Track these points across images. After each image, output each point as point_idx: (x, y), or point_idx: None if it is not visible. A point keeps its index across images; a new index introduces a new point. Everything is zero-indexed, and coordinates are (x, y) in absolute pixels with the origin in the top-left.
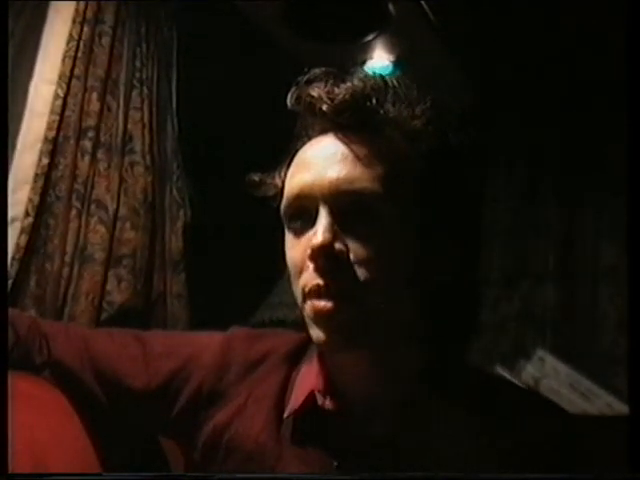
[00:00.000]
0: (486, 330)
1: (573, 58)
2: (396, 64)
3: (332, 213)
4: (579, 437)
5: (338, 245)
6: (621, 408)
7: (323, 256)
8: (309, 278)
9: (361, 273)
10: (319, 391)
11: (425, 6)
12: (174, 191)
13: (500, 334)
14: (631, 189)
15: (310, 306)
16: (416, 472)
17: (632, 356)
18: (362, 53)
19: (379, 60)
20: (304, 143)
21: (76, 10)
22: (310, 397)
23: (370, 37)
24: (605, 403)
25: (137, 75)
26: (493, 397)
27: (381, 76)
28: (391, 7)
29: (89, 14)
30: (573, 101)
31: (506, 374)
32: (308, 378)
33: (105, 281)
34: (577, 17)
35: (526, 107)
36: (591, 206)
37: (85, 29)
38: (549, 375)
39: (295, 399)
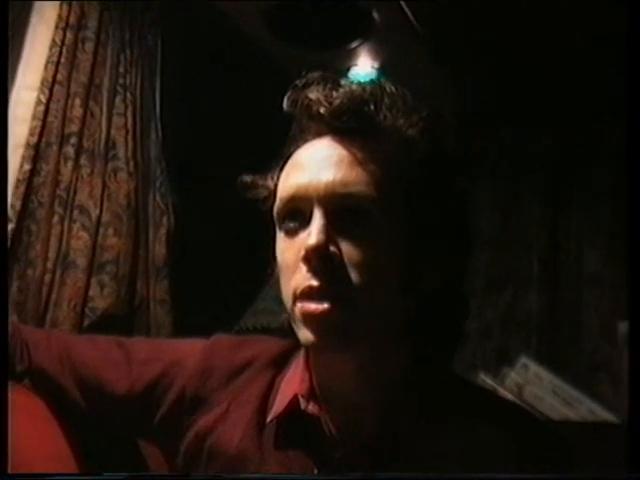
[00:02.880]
0: (470, 336)
1: (559, 62)
2: (380, 71)
3: (326, 215)
4: (561, 445)
5: (332, 247)
6: (603, 414)
7: (317, 257)
8: (302, 279)
9: (354, 275)
10: (302, 395)
11: (409, 13)
12: (157, 197)
13: (484, 341)
14: (631, 194)
15: (300, 308)
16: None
17: (633, 360)
18: (347, 60)
19: (363, 67)
20: (299, 146)
21: (59, 16)
22: (293, 401)
23: (355, 44)
24: (587, 409)
25: (121, 81)
26: (476, 405)
27: (379, 82)
28: (375, 14)
29: (72, 20)
30: (558, 107)
31: (489, 381)
32: (292, 382)
33: (88, 287)
34: (562, 20)
35: (510, 113)
36: (575, 213)
37: (68, 35)
38: (532, 382)
39: (279, 403)
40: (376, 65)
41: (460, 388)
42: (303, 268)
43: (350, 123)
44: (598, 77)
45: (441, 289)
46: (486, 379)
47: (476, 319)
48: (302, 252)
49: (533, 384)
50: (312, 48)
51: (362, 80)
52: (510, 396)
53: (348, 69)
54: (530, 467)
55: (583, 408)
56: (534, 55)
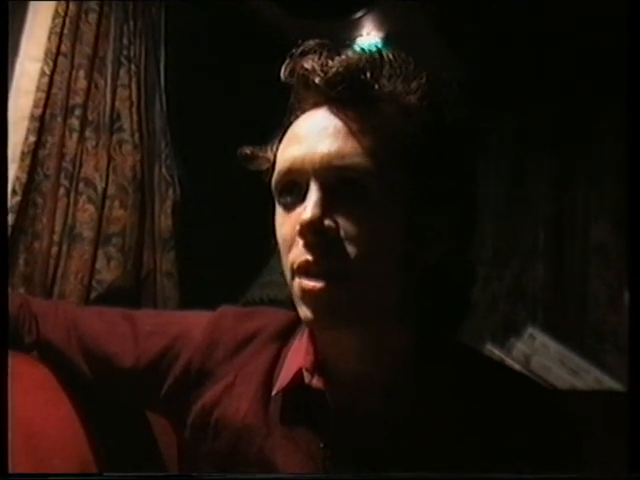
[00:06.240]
0: (477, 308)
1: (563, 36)
2: (385, 41)
3: (322, 189)
4: (568, 415)
5: (327, 221)
6: (610, 383)
7: (312, 232)
8: (298, 254)
9: (351, 250)
10: (307, 369)
11: None
12: (163, 169)
13: (491, 312)
14: (630, 169)
15: (298, 284)
16: (406, 466)
17: (632, 345)
18: (351, 30)
19: (368, 37)
20: (297, 116)
21: None
22: (298, 375)
23: (359, 14)
24: (594, 378)
25: (125, 52)
26: (482, 377)
27: (377, 50)
28: None
29: None
30: (563, 80)
31: (497, 351)
32: (297, 356)
33: (94, 260)
34: None
35: (516, 86)
36: (580, 185)
37: (71, 6)
38: (539, 352)
39: (284, 376)
40: (380, 35)
41: (467, 359)
42: (299, 243)
43: (346, 92)
44: (601, 48)
45: (446, 259)
46: (493, 350)
47: (483, 290)
48: (297, 227)
49: (540, 354)
50: (316, 18)
51: (368, 47)
52: (517, 366)
53: (352, 39)
54: (537, 438)
55: (590, 377)
56: (538, 26)
